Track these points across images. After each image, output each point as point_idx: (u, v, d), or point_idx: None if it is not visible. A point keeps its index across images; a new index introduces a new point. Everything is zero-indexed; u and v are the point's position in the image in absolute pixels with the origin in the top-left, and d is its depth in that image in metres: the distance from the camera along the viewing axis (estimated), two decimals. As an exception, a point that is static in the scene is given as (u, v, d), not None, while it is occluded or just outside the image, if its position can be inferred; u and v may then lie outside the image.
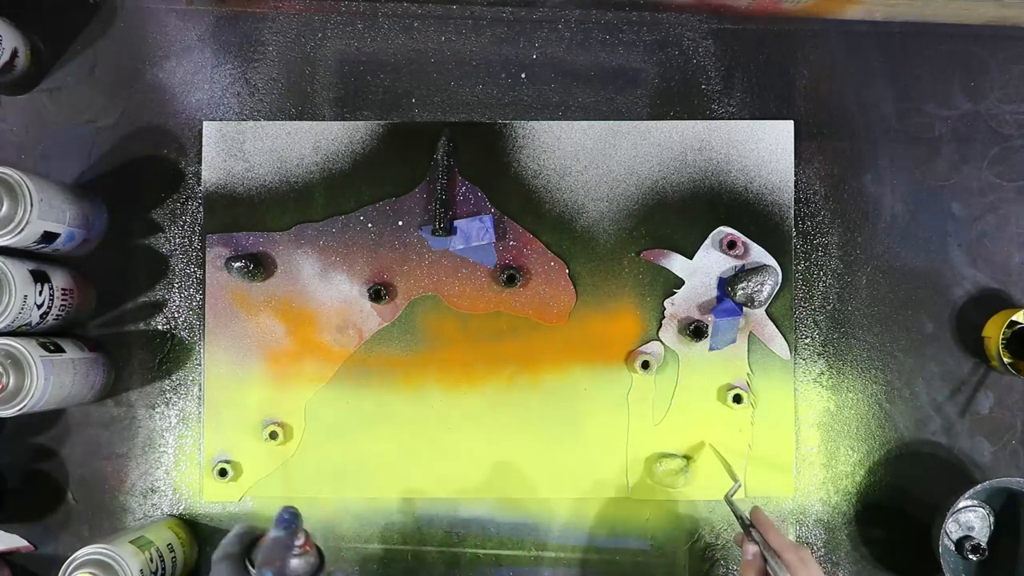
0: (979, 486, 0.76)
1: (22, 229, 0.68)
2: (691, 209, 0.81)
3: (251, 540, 0.60)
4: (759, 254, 0.81)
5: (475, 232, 0.80)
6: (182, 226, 0.80)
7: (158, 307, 0.80)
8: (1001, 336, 0.77)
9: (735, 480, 0.76)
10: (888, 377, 0.81)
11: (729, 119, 0.81)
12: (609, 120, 0.81)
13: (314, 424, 0.79)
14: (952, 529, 0.80)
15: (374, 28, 0.81)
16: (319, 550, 0.60)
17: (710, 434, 0.80)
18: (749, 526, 0.70)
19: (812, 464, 0.80)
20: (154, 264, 0.80)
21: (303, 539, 0.58)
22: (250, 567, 0.58)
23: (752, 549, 0.68)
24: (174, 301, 0.80)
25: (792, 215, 0.81)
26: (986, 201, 0.82)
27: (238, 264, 0.77)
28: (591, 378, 0.80)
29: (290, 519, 0.58)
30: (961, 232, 0.82)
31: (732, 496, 0.75)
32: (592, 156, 0.81)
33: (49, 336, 0.74)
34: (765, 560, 0.67)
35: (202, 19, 0.81)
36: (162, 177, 0.80)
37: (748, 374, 0.80)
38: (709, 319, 0.80)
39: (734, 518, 0.76)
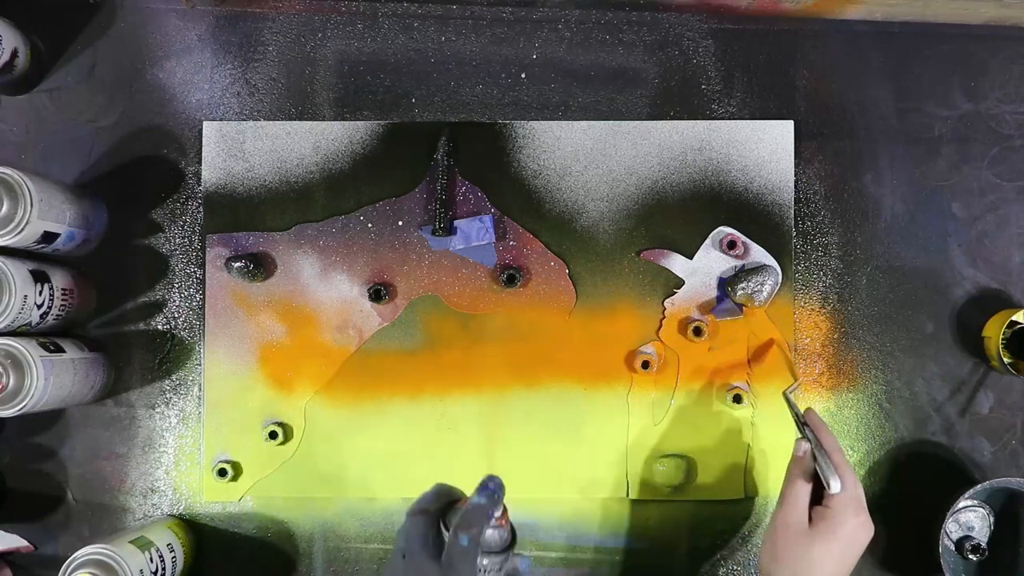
0: (979, 486, 0.76)
1: (22, 229, 0.68)
2: (691, 209, 0.81)
3: (448, 501, 0.58)
4: (759, 254, 0.81)
5: (475, 232, 0.80)
6: (182, 226, 0.80)
7: (158, 307, 0.80)
8: (1001, 336, 0.77)
9: (795, 378, 0.79)
10: (888, 377, 0.81)
11: (729, 119, 0.81)
12: (609, 120, 0.81)
13: (314, 424, 0.79)
14: (952, 529, 0.80)
15: (374, 28, 0.81)
16: (512, 528, 0.59)
17: (710, 434, 0.80)
18: (803, 424, 0.72)
19: (812, 464, 0.80)
20: (154, 264, 0.80)
21: (501, 512, 0.57)
22: (444, 528, 0.57)
23: (804, 446, 0.69)
24: (174, 301, 0.80)
25: (792, 215, 0.81)
26: (986, 201, 0.82)
27: (238, 264, 0.77)
28: (591, 378, 0.80)
29: (494, 489, 0.56)
30: (961, 232, 0.82)
31: (791, 393, 0.77)
32: (592, 156, 0.81)
33: (49, 336, 0.74)
34: (815, 459, 0.68)
35: (202, 19, 0.81)
36: (162, 177, 0.80)
37: (748, 374, 0.80)
38: (709, 319, 0.80)
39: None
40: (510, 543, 0.58)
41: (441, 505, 0.58)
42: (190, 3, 0.81)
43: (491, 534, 0.57)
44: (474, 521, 0.55)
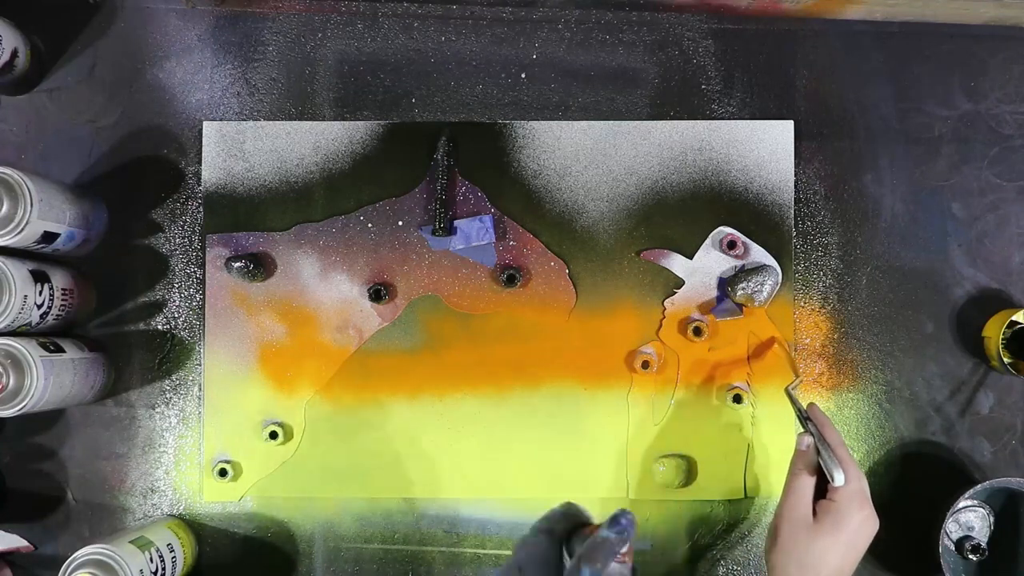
0: (979, 486, 0.76)
1: (22, 229, 0.68)
2: (691, 209, 0.81)
3: (574, 524, 0.58)
4: (759, 254, 0.81)
5: (475, 232, 0.80)
6: (182, 226, 0.80)
7: (158, 307, 0.80)
8: (1001, 336, 0.77)
9: (796, 374, 0.79)
10: (888, 377, 0.81)
11: (729, 119, 0.81)
12: (609, 120, 0.81)
13: (314, 424, 0.79)
14: (952, 529, 0.80)
15: (374, 28, 0.81)
16: (635, 568, 0.57)
17: (710, 434, 0.80)
18: (805, 419, 0.72)
19: (812, 464, 0.80)
20: (154, 264, 0.80)
21: (627, 548, 0.56)
22: (566, 553, 0.56)
23: (807, 440, 0.69)
24: (174, 301, 0.80)
25: (792, 215, 0.81)
26: (986, 201, 0.82)
27: (238, 264, 0.77)
28: (591, 378, 0.80)
29: (626, 525, 0.56)
30: (961, 232, 0.82)
31: (793, 389, 0.77)
32: (592, 156, 0.81)
33: (49, 336, 0.74)
34: (818, 453, 0.68)
35: (202, 19, 0.81)
36: (162, 177, 0.80)
37: (748, 374, 0.80)
38: (709, 319, 0.80)
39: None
40: None
41: (568, 527, 0.57)
42: (190, 3, 0.81)
43: (614, 569, 0.56)
44: (601, 555, 0.54)
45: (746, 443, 0.80)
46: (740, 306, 0.80)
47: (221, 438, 0.79)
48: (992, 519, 0.80)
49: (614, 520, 0.55)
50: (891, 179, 0.82)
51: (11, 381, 0.68)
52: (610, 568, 0.55)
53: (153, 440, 0.80)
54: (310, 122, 0.80)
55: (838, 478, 0.65)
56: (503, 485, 0.80)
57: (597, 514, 0.79)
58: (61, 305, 0.74)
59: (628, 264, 0.81)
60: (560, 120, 0.81)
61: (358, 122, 0.81)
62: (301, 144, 0.80)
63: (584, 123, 0.81)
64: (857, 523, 0.65)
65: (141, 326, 0.80)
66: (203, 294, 0.80)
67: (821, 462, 0.67)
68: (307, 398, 0.79)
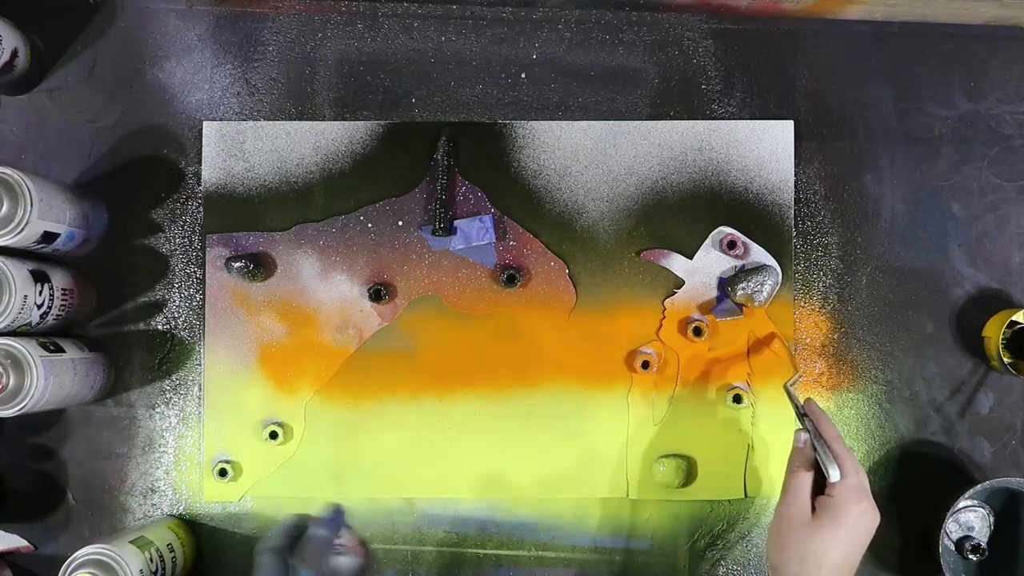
0: (979, 486, 0.76)
1: (22, 229, 0.68)
2: (691, 209, 0.81)
3: (298, 533, 0.58)
4: (759, 254, 0.81)
5: (475, 232, 0.80)
6: (182, 226, 0.80)
7: (158, 307, 0.80)
8: (1001, 336, 0.77)
9: (796, 371, 0.79)
10: (888, 377, 0.81)
11: (729, 119, 0.81)
12: (609, 120, 0.81)
13: (314, 424, 0.79)
14: (952, 529, 0.80)
15: (374, 28, 0.81)
16: (366, 549, 0.58)
17: (710, 434, 0.80)
18: (802, 415, 0.71)
19: (812, 464, 0.80)
20: (154, 264, 0.80)
21: (347, 537, 0.56)
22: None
23: (803, 436, 0.69)
24: (174, 301, 0.80)
25: (792, 215, 0.81)
26: (986, 201, 0.82)
27: (238, 264, 0.77)
28: (591, 378, 0.80)
29: (333, 517, 0.56)
30: (961, 232, 0.82)
31: (792, 385, 0.76)
32: (592, 156, 0.81)
33: (49, 336, 0.74)
34: (815, 449, 0.68)
35: (202, 19, 0.81)
36: (162, 177, 0.80)
37: (748, 374, 0.80)
38: (709, 319, 0.80)
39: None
40: (364, 567, 0.57)
41: (290, 538, 0.57)
42: (190, 3, 0.81)
43: (340, 563, 0.55)
44: (314, 553, 0.54)
45: (746, 443, 0.80)
46: (740, 306, 0.80)
47: (221, 438, 0.79)
48: (992, 519, 0.80)
49: (322, 516, 0.55)
50: (891, 179, 0.82)
51: (11, 381, 0.68)
52: (335, 562, 0.55)
53: (153, 440, 0.80)
54: (310, 122, 0.80)
55: (833, 474, 0.65)
56: (503, 485, 0.80)
57: (596, 514, 0.80)
58: (61, 305, 0.74)
59: (628, 264, 0.81)
60: (560, 120, 0.81)
61: (358, 122, 0.81)
62: (301, 144, 0.80)
63: (584, 123, 0.81)
64: (856, 517, 0.65)
65: (141, 326, 0.80)
66: (203, 294, 0.80)
67: (817, 458, 0.67)
68: (307, 398, 0.79)
